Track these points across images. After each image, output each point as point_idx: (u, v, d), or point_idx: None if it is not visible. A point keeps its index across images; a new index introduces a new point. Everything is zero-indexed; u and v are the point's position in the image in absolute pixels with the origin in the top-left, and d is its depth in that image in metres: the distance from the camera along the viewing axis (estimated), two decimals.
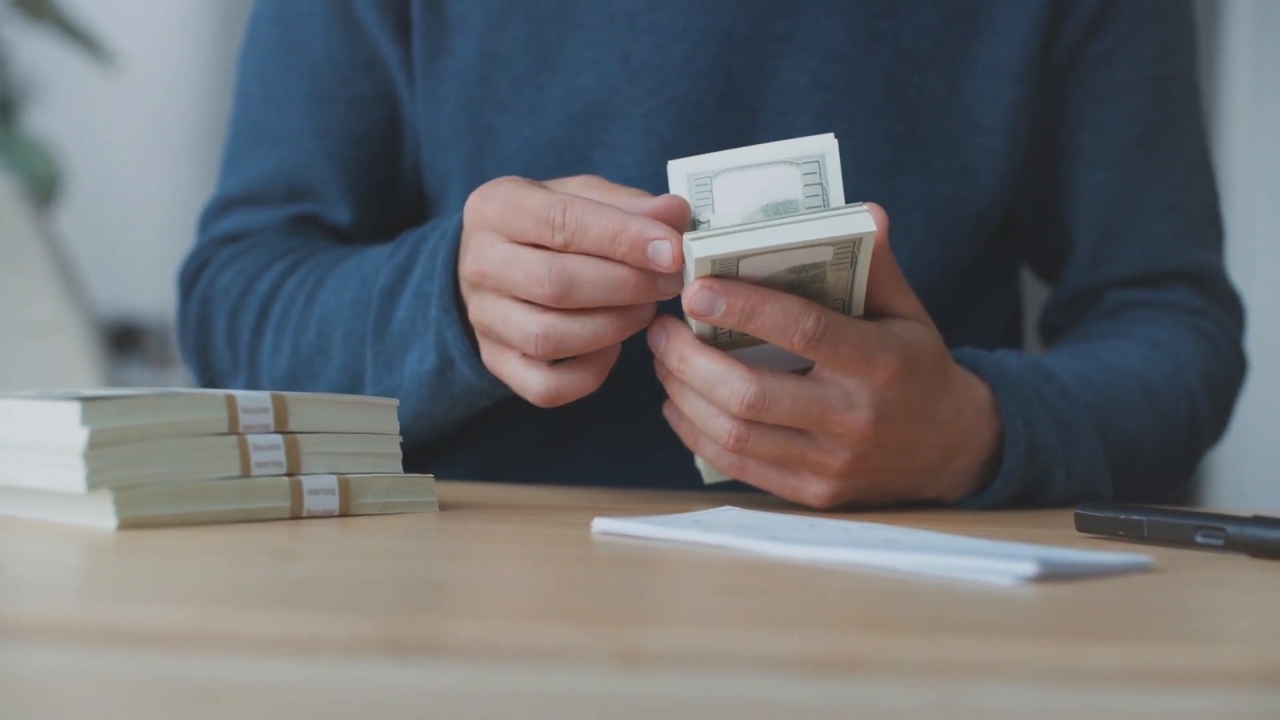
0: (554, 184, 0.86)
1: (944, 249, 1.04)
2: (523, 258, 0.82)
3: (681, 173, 0.83)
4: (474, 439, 1.04)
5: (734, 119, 1.01)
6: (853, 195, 0.85)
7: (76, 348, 2.04)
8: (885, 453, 0.86)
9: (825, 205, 0.82)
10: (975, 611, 0.58)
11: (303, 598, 0.58)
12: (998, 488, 0.91)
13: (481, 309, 0.86)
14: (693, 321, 0.83)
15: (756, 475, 0.87)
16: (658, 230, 0.80)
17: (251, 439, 0.76)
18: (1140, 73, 1.07)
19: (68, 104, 3.21)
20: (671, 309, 0.85)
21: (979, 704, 0.50)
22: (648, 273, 0.81)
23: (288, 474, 0.77)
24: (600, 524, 0.76)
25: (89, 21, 2.95)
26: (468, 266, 0.86)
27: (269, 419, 0.77)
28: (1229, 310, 1.13)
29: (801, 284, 0.81)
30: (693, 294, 0.80)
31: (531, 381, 0.85)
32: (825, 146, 0.82)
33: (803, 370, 0.84)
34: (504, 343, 0.86)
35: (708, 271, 0.80)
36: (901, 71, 1.02)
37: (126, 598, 0.58)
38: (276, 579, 0.62)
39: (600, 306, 0.82)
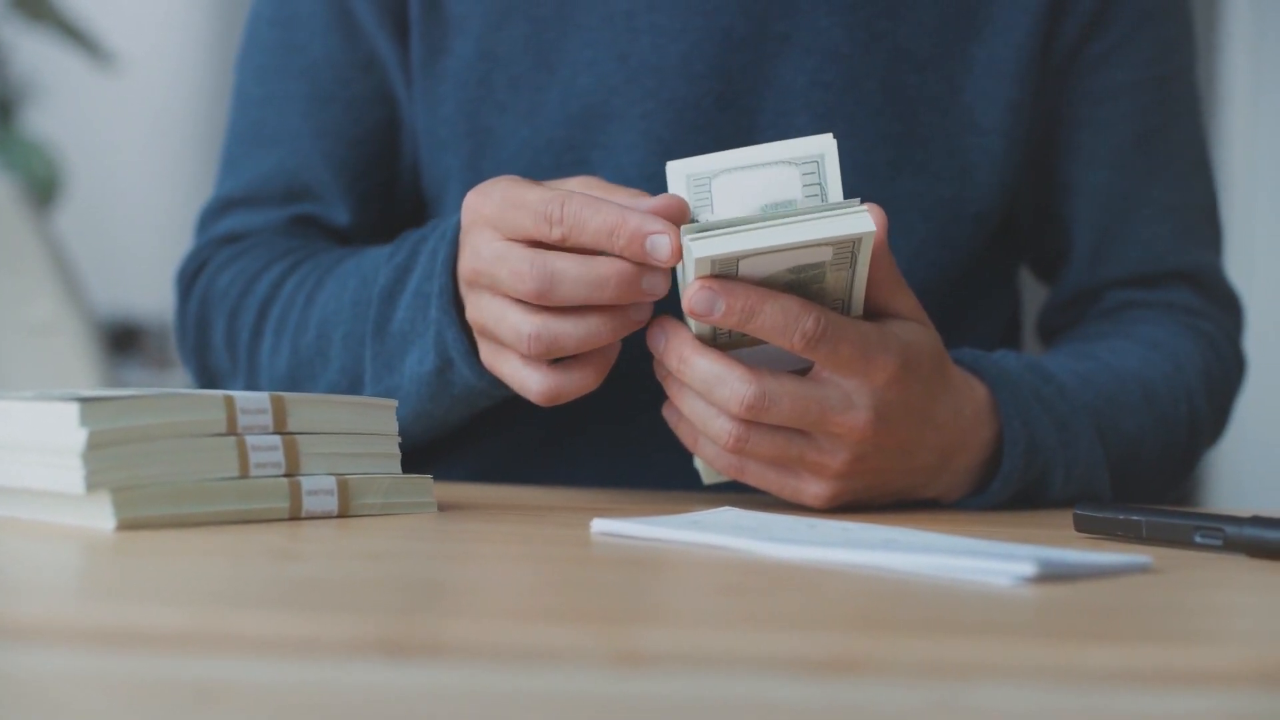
0: (553, 184, 0.86)
1: (943, 249, 1.04)
2: (510, 254, 0.82)
3: (680, 173, 0.83)
4: (473, 440, 1.04)
5: (732, 119, 1.01)
6: (851, 195, 0.85)
7: (75, 348, 2.04)
8: (884, 453, 0.86)
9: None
10: (974, 612, 0.58)
11: (302, 598, 0.58)
12: (997, 488, 0.91)
13: (478, 308, 0.86)
14: (692, 322, 0.83)
15: (756, 476, 0.87)
16: (656, 224, 0.80)
17: (250, 439, 0.76)
18: (1139, 73, 1.07)
19: (67, 104, 3.21)
20: (671, 309, 0.85)
21: (978, 704, 0.50)
22: (631, 272, 0.80)
23: (286, 475, 0.77)
24: (599, 524, 0.76)
25: (88, 22, 2.95)
26: (464, 264, 0.86)
27: (268, 420, 0.77)
28: (1228, 310, 1.13)
29: (801, 284, 0.81)
30: (692, 294, 0.80)
31: (531, 381, 0.85)
32: (824, 147, 0.82)
33: (802, 371, 0.84)
34: (499, 341, 0.86)
35: (707, 272, 0.80)
36: (900, 72, 1.02)
37: (125, 598, 0.58)
38: (275, 580, 0.62)
39: (586, 305, 0.82)
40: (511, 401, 0.95)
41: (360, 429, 0.80)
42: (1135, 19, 1.07)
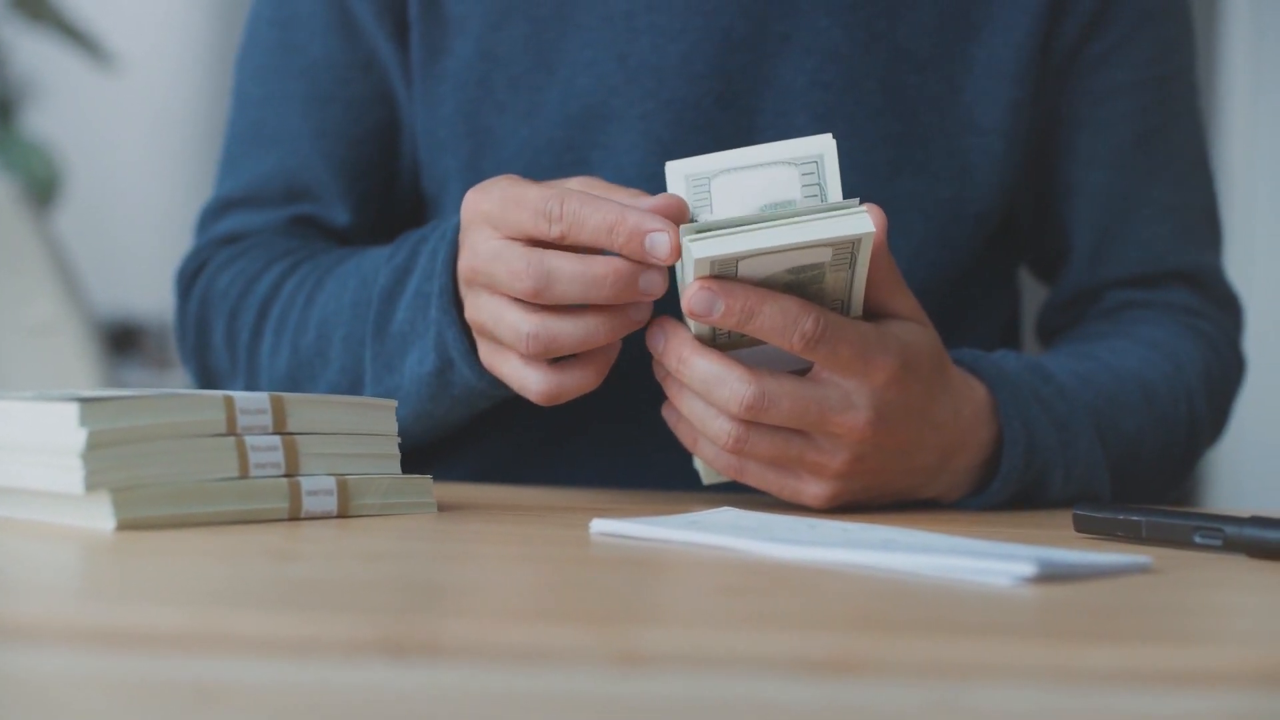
0: (552, 184, 0.86)
1: (942, 250, 1.04)
2: (507, 252, 0.82)
3: (679, 174, 0.83)
4: (473, 440, 1.04)
5: (732, 120, 1.01)
6: (851, 196, 0.85)
7: (75, 348, 2.04)
8: (884, 453, 0.86)
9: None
10: (974, 612, 0.58)
11: (301, 599, 0.58)
12: (996, 488, 0.91)
13: (476, 307, 0.86)
14: (691, 322, 0.83)
15: (755, 476, 0.87)
16: (656, 222, 0.80)
17: (250, 440, 0.76)
18: (1139, 73, 1.07)
19: (66, 105, 3.21)
20: (671, 310, 0.85)
21: (977, 704, 0.50)
22: (628, 270, 0.80)
23: (286, 475, 0.77)
24: (598, 525, 0.76)
25: (88, 22, 2.95)
26: (463, 262, 0.86)
27: (267, 420, 0.77)
28: (1227, 310, 1.13)
29: (800, 285, 0.81)
30: (691, 295, 0.80)
31: (531, 380, 0.85)
32: (824, 147, 0.82)
33: (801, 371, 0.84)
34: (498, 341, 0.86)
35: (706, 272, 0.80)
36: (900, 72, 1.02)
37: (125, 599, 0.58)
38: (275, 580, 0.62)
39: (583, 304, 0.82)
40: (511, 402, 0.95)
41: (360, 429, 0.80)
42: (1135, 19, 1.07)
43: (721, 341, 0.84)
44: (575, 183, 0.86)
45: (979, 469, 0.92)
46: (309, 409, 0.78)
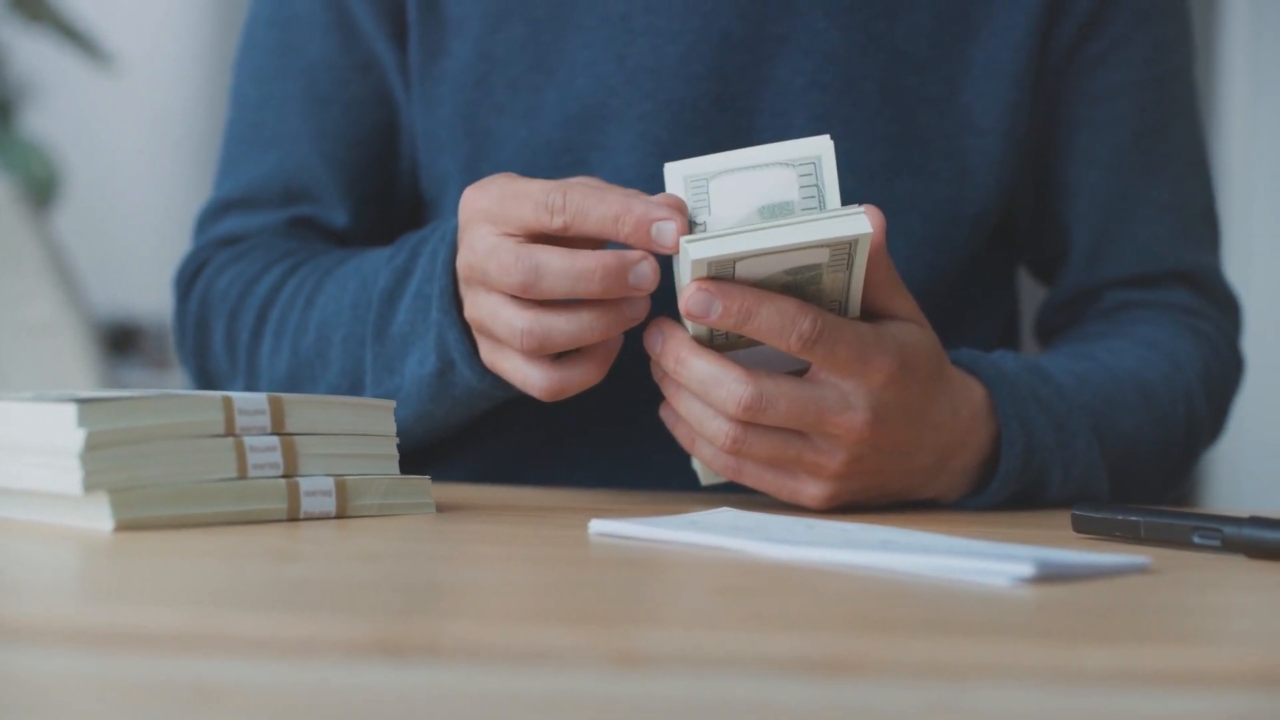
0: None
1: (941, 250, 1.04)
2: (500, 248, 0.82)
3: (678, 175, 0.83)
4: (473, 441, 1.04)
5: (730, 121, 1.01)
6: (849, 197, 0.85)
7: (74, 349, 2.04)
8: (882, 454, 0.86)
9: (821, 207, 0.82)
10: (972, 612, 0.58)
11: (300, 599, 0.58)
12: (994, 488, 0.91)
13: (474, 304, 0.86)
14: (689, 323, 0.83)
15: (753, 477, 0.87)
16: (662, 211, 0.80)
17: (248, 440, 0.76)
18: (1137, 73, 1.07)
19: (65, 105, 3.21)
20: (669, 310, 0.85)
21: (976, 705, 0.50)
22: (616, 264, 0.80)
23: (284, 476, 0.77)
24: (597, 525, 0.76)
25: (86, 23, 2.95)
26: (460, 259, 0.86)
27: (265, 420, 0.77)
28: (1226, 310, 1.13)
29: (798, 285, 0.81)
30: (689, 296, 0.80)
31: (533, 376, 0.85)
32: (821, 148, 0.82)
33: (799, 372, 0.84)
34: (496, 338, 0.86)
35: (704, 273, 0.80)
36: (898, 73, 1.02)
37: (123, 599, 0.58)
38: (274, 580, 0.62)
39: (574, 300, 0.82)
40: (510, 403, 0.95)
41: (358, 430, 0.80)
42: (1133, 19, 1.07)
43: (719, 342, 0.84)
44: (574, 182, 0.86)
45: (977, 469, 0.92)
46: (307, 409, 0.78)
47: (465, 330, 0.89)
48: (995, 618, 0.58)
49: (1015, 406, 0.91)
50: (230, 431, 0.75)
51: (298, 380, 1.00)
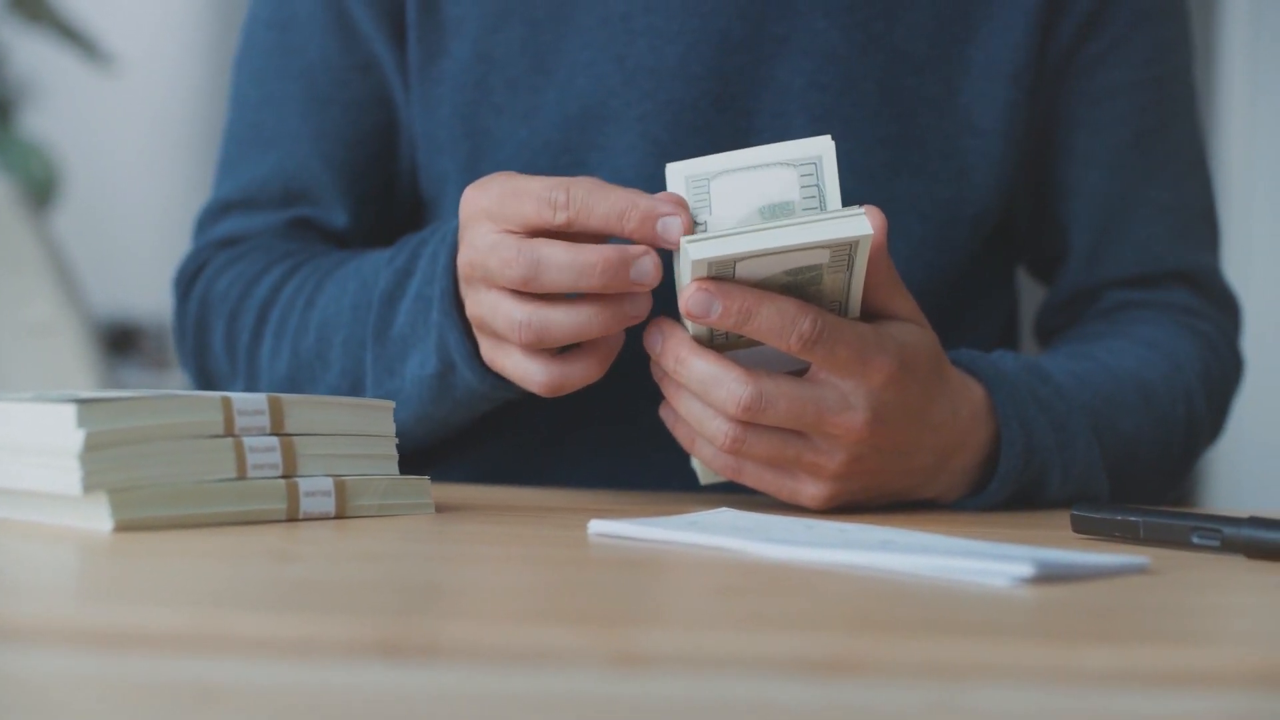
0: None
1: (940, 251, 1.04)
2: (501, 243, 0.82)
3: (679, 175, 0.83)
4: (473, 441, 1.04)
5: (730, 121, 1.01)
6: (849, 197, 0.85)
7: (73, 349, 2.04)
8: (881, 454, 0.86)
9: (822, 207, 0.82)
10: (972, 613, 0.58)
11: (299, 600, 0.58)
12: (994, 489, 0.91)
13: (475, 302, 0.86)
14: (689, 323, 0.83)
15: (753, 477, 0.87)
16: (668, 206, 0.80)
17: (247, 441, 0.76)
18: (1136, 73, 1.07)
19: (65, 105, 3.21)
20: (668, 310, 0.85)
21: (976, 705, 0.50)
22: (617, 258, 0.80)
23: (284, 476, 0.77)
24: (596, 526, 0.76)
25: (86, 23, 2.95)
26: (461, 257, 0.86)
27: (265, 421, 0.77)
28: (1225, 310, 1.13)
29: (798, 286, 0.81)
30: (689, 296, 0.80)
31: (533, 372, 0.85)
32: (822, 148, 0.82)
33: (799, 372, 0.84)
34: (496, 335, 0.86)
35: (704, 273, 0.80)
36: (897, 74, 1.03)
37: (123, 600, 0.58)
38: (273, 581, 0.62)
39: (575, 294, 0.82)
40: (511, 403, 0.95)
41: (357, 430, 0.80)
42: (1132, 19, 1.07)
43: (719, 342, 0.84)
44: (576, 180, 0.86)
45: (977, 469, 0.92)
46: (306, 410, 0.78)
47: (466, 331, 0.89)
48: (995, 618, 0.58)
49: (1015, 407, 0.91)
50: (229, 432, 0.75)
51: (298, 381, 1.00)
